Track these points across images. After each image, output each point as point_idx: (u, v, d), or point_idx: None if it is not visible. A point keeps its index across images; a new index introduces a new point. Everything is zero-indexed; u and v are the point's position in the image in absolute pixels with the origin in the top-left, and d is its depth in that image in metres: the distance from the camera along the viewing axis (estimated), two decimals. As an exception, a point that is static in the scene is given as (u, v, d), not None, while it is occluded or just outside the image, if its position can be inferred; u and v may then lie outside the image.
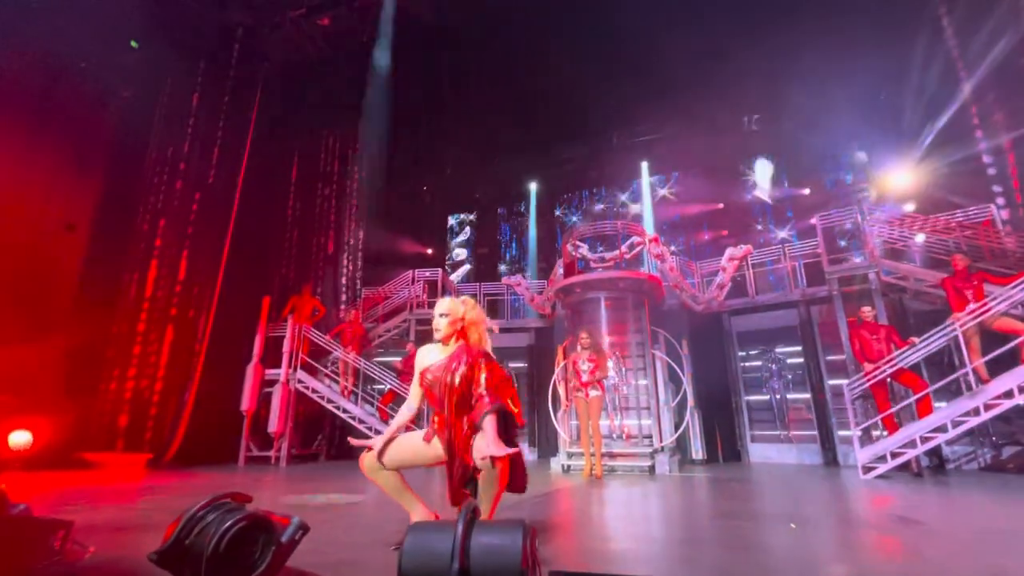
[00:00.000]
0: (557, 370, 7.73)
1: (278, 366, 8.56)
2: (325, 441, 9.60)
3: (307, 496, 4.46)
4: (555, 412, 7.58)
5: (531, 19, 9.61)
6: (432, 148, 14.63)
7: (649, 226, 12.87)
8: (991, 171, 7.66)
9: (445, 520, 1.70)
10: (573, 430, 7.12)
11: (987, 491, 4.72)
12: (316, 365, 8.81)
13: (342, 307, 11.16)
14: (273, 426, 8.17)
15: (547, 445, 8.82)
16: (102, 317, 7.92)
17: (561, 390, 7.47)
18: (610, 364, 7.23)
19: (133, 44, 9.05)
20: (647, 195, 13.96)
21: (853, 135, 11.70)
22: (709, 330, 8.67)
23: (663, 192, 14.45)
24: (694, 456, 7.68)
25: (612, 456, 6.63)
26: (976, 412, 5.26)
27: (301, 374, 8.49)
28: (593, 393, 6.31)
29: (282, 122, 10.54)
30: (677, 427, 7.29)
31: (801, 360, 8.08)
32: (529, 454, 9.17)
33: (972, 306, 5.64)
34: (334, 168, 12.36)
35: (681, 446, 7.62)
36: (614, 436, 7.38)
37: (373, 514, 3.70)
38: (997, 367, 5.39)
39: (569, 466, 6.74)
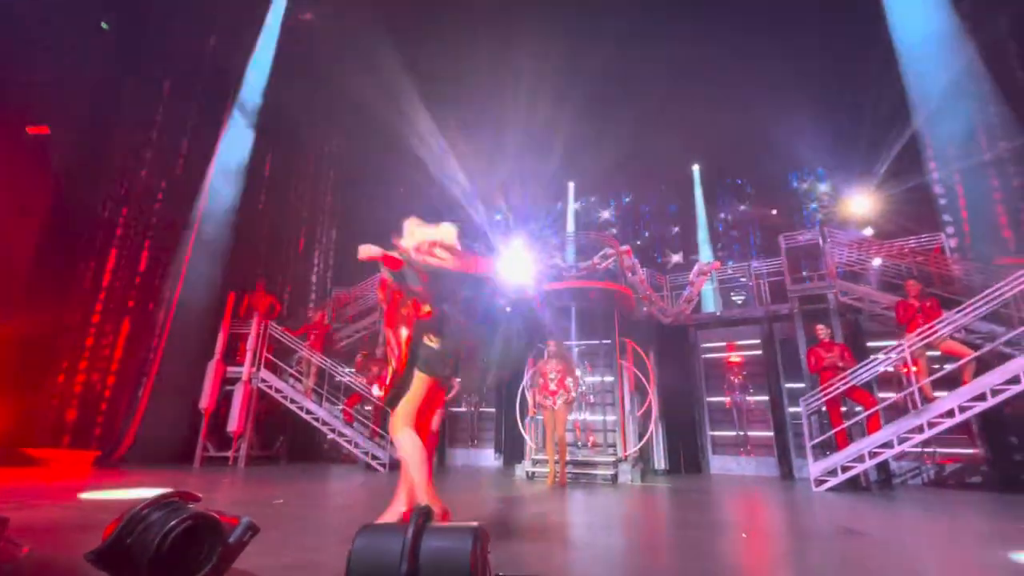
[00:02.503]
0: (525, 377, 7.76)
1: (241, 364, 8.34)
2: (287, 442, 9.37)
3: (263, 497, 4.35)
4: (522, 419, 7.61)
5: (519, 24, 9.69)
6: (411, 150, 14.56)
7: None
8: (942, 201, 8.10)
9: (396, 523, 1.69)
10: (539, 437, 7.15)
11: (929, 505, 4.95)
12: (280, 364, 8.61)
13: (310, 306, 10.96)
14: (233, 425, 7.93)
15: (513, 452, 8.83)
16: (53, 306, 7.58)
17: (529, 397, 7.50)
18: (578, 373, 7.31)
19: (104, 26, 8.75)
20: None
21: (816, 161, 12.21)
22: (676, 342, 8.85)
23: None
24: (656, 466, 7.81)
25: (576, 465, 6.69)
26: (920, 429, 5.53)
27: (264, 373, 8.28)
28: (560, 401, 6.37)
29: (258, 115, 10.32)
30: (641, 437, 7.41)
31: (762, 375, 8.32)
32: (495, 460, 9.16)
33: (921, 328, 5.94)
34: (309, 165, 12.19)
35: (644, 456, 7.74)
36: (579, 444, 7.46)
37: (329, 516, 3.64)
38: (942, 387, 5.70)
39: (534, 473, 6.76)
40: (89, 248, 8.01)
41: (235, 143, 9.60)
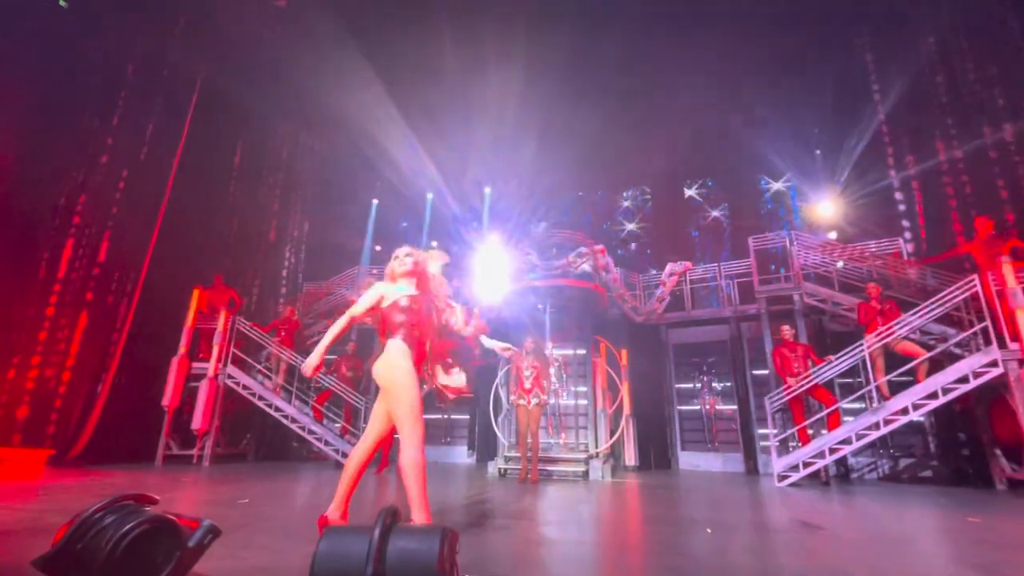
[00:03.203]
0: (499, 374, 7.78)
1: (206, 360, 8.11)
2: (254, 440, 9.16)
3: (227, 497, 4.24)
4: (496, 417, 7.62)
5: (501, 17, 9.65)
6: (388, 144, 14.39)
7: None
8: (901, 207, 8.44)
9: (363, 524, 1.67)
10: (513, 435, 7.18)
11: (883, 499, 5.17)
12: (248, 360, 8.41)
13: (280, 301, 10.72)
14: (197, 423, 7.71)
15: (486, 449, 8.84)
16: (3, 299, 7.20)
17: (503, 394, 7.52)
18: (552, 371, 7.36)
19: (62, 3, 8.32)
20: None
21: (787, 168, 12.58)
22: (647, 341, 9.00)
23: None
24: (627, 463, 7.93)
25: (548, 461, 6.74)
26: (877, 426, 5.76)
27: (231, 369, 8.07)
28: (534, 400, 6.40)
29: (228, 102, 9.99)
30: (612, 434, 7.52)
31: (730, 373, 8.54)
32: (468, 457, 9.15)
33: (880, 329, 6.20)
34: (281, 155, 11.90)
35: (615, 452, 7.85)
36: (552, 441, 7.51)
37: (297, 517, 3.57)
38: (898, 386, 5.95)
39: (506, 470, 6.79)
40: (44, 237, 7.62)
41: (203, 131, 9.28)
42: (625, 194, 14.83)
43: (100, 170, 7.99)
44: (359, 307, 2.64)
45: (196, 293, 8.40)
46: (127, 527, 1.52)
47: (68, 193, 7.84)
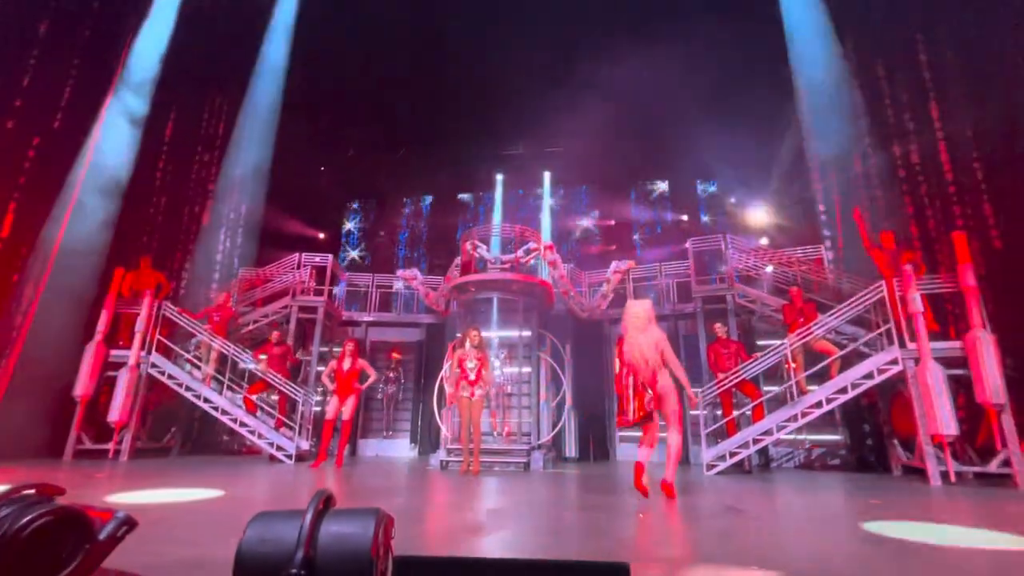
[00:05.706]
0: (445, 367, 7.74)
1: (128, 347, 7.54)
2: (179, 434, 8.62)
3: (148, 491, 3.98)
4: (439, 409, 7.58)
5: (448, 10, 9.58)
6: (334, 126, 13.92)
7: (546, 234, 13.46)
8: (824, 218, 9.13)
9: (293, 509, 1.63)
10: (455, 427, 7.17)
11: (797, 485, 5.60)
12: (175, 348, 7.89)
13: (213, 287, 10.13)
14: (115, 415, 7.15)
15: (428, 441, 8.79)
16: None
17: (447, 387, 7.48)
18: (496, 363, 7.41)
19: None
20: (547, 204, 14.56)
21: (723, 175, 13.31)
22: (591, 336, 9.23)
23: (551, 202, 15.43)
24: (567, 454, 8.13)
25: (490, 453, 6.79)
26: (795, 418, 6.23)
27: (155, 357, 7.54)
28: (477, 392, 6.42)
29: (162, 67, 9.25)
30: (554, 426, 7.68)
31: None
32: (410, 450, 9.05)
33: (800, 330, 6.69)
34: (218, 131, 11.20)
35: (557, 444, 8.02)
36: (495, 434, 7.57)
37: (226, 511, 3.41)
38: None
39: (448, 462, 6.78)
40: (-67, 207, 6.81)
41: (130, 98, 8.58)
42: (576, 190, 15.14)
43: (6, 136, 7.21)
44: None
45: (118, 274, 7.79)
46: (26, 519, 1.39)
47: (-35, 159, 7.04)
